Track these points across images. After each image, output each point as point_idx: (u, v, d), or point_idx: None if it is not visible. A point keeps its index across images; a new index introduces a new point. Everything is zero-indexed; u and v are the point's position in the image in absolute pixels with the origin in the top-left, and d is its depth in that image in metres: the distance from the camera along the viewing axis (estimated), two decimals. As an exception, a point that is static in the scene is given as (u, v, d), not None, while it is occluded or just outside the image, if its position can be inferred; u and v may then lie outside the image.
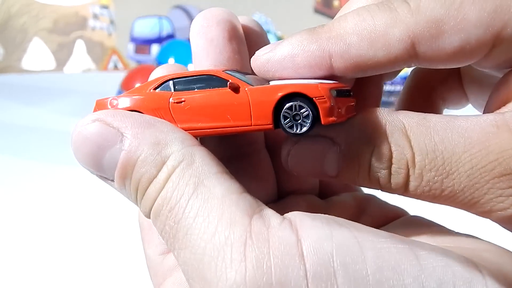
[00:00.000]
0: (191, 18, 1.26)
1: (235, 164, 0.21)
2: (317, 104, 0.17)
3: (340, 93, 0.18)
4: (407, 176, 0.17)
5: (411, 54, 0.17)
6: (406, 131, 0.17)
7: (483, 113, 0.18)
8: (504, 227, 0.17)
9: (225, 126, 0.18)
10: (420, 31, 0.17)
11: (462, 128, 0.16)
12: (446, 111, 0.24)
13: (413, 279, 0.14)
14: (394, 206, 0.22)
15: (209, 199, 0.16)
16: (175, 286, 0.20)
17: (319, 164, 0.18)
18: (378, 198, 0.23)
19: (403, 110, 0.20)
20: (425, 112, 0.18)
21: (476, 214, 0.17)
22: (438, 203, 0.17)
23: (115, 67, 1.32)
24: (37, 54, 1.30)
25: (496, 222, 0.16)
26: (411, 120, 0.17)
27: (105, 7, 1.33)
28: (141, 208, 0.17)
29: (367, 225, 0.16)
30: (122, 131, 0.17)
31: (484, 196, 0.16)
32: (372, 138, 0.17)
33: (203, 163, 0.16)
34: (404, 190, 0.17)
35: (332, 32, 0.18)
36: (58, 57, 1.31)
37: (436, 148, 0.16)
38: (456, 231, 0.18)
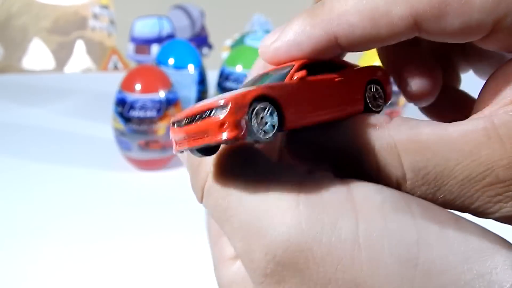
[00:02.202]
0: (191, 18, 1.26)
1: None
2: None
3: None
4: (398, 188, 0.17)
5: (414, 30, 0.17)
6: (396, 148, 0.17)
7: (476, 105, 0.18)
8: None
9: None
10: (422, 10, 0.17)
11: (454, 140, 0.16)
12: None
13: (455, 231, 0.16)
14: None
15: (257, 167, 0.18)
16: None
17: (315, 161, 0.19)
18: None
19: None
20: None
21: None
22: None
23: (115, 67, 1.32)
24: (37, 54, 1.30)
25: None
26: (402, 136, 0.17)
27: (105, 7, 1.33)
28: (193, 188, 0.19)
29: None
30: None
31: (474, 203, 0.16)
32: (361, 151, 0.18)
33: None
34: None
35: (333, 12, 0.18)
36: (58, 57, 1.31)
37: (429, 164, 0.17)
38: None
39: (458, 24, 0.17)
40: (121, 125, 0.64)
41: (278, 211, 0.16)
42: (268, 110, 0.16)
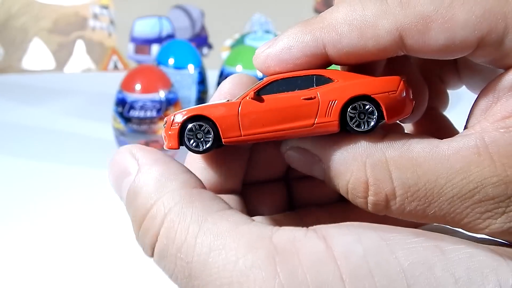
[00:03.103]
0: (191, 18, 1.26)
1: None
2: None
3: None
4: (387, 206, 0.17)
5: (399, 45, 0.18)
6: (388, 165, 0.17)
7: (468, 119, 0.18)
8: None
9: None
10: (408, 25, 0.17)
11: (445, 158, 0.16)
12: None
13: (443, 271, 0.15)
14: None
15: (218, 233, 0.16)
16: None
17: (309, 170, 0.19)
18: None
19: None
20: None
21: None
22: (420, 222, 0.18)
23: (115, 67, 1.32)
24: (37, 54, 1.30)
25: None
26: (394, 152, 0.17)
27: (105, 7, 1.33)
28: (141, 245, 0.17)
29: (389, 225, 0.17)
30: (139, 163, 0.18)
31: (464, 219, 0.17)
32: (350, 168, 0.18)
33: (204, 204, 0.17)
34: (384, 213, 0.18)
35: (324, 22, 0.18)
36: (58, 57, 1.31)
37: (419, 181, 0.17)
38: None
39: (443, 41, 0.17)
40: (121, 125, 0.64)
41: (256, 284, 0.15)
42: (203, 127, 0.19)
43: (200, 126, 0.19)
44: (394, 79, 0.18)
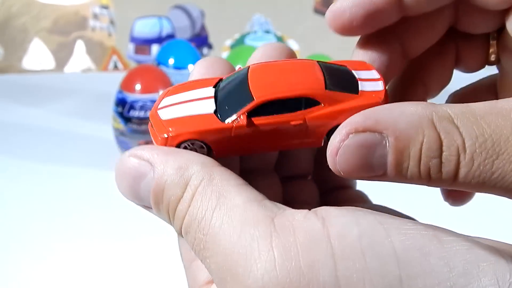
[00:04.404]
0: (191, 18, 1.26)
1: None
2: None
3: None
4: (458, 162, 0.17)
5: None
6: (452, 119, 0.17)
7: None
8: None
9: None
10: None
11: (506, 111, 0.17)
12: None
13: (439, 259, 0.15)
14: (407, 215, 0.23)
15: (231, 208, 0.17)
16: None
17: (369, 161, 0.18)
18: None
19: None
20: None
21: None
22: (486, 191, 0.17)
23: (115, 67, 1.32)
24: (37, 54, 1.29)
25: None
26: (455, 109, 0.17)
27: (105, 7, 1.33)
28: (174, 228, 0.19)
29: None
30: (151, 162, 0.19)
31: None
32: (420, 128, 0.17)
33: (222, 179, 0.18)
34: (453, 179, 0.17)
35: None
36: (58, 57, 1.31)
37: (485, 132, 0.16)
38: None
39: None
40: (121, 125, 0.64)
41: (252, 256, 0.16)
42: (196, 143, 0.20)
43: (193, 143, 0.20)
44: (377, 104, 0.19)
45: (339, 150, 0.18)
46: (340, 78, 0.20)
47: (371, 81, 0.21)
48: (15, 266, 0.48)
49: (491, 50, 0.23)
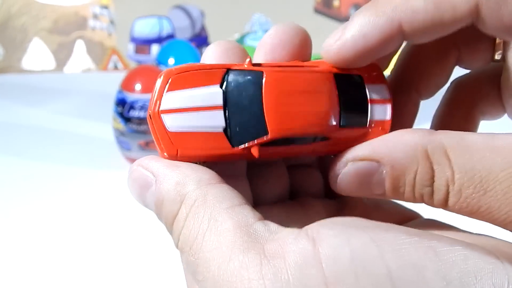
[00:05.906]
0: (191, 18, 1.26)
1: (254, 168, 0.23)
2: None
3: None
4: (447, 193, 0.17)
5: (473, 15, 0.18)
6: (446, 150, 0.17)
7: None
8: None
9: None
10: None
11: (500, 148, 0.17)
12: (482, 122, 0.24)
13: (434, 273, 0.15)
14: (408, 208, 0.23)
15: (221, 232, 0.17)
16: None
17: (367, 185, 0.19)
18: None
19: (440, 123, 0.22)
20: (463, 126, 0.20)
21: None
22: (476, 219, 0.18)
23: (115, 67, 1.32)
24: (37, 54, 1.30)
25: None
26: (451, 140, 0.18)
27: (105, 7, 1.33)
28: (174, 243, 0.19)
29: (383, 221, 0.17)
30: (154, 174, 0.19)
31: None
32: (415, 158, 0.18)
33: (215, 201, 0.18)
34: (445, 205, 0.18)
35: (395, 1, 0.18)
36: (58, 57, 1.31)
37: (475, 167, 0.17)
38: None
39: None
40: (121, 125, 0.64)
41: (242, 285, 0.15)
42: None
43: None
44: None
45: (339, 176, 0.20)
46: (353, 105, 0.21)
47: (380, 105, 0.21)
48: (15, 266, 0.48)
49: (497, 49, 0.23)
